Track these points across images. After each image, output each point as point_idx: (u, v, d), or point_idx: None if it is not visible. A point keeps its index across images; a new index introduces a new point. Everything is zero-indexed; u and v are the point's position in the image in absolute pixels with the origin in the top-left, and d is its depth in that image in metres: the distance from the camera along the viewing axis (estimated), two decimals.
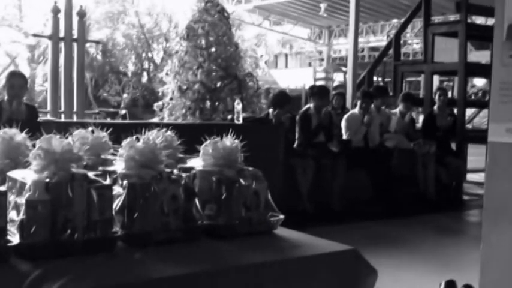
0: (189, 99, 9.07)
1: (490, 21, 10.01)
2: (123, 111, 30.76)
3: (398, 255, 5.32)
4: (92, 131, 2.02)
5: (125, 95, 28.59)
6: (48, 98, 7.79)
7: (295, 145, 7.04)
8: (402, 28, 9.95)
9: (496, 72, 2.85)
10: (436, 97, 8.12)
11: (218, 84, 9.08)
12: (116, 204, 1.61)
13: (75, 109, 7.63)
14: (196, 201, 1.75)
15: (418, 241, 5.89)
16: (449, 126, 8.02)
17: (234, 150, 1.90)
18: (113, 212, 1.58)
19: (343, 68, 28.03)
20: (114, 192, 1.61)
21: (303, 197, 6.63)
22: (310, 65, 30.43)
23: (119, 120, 5.67)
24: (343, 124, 7.46)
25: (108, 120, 5.89)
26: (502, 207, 2.84)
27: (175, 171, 1.76)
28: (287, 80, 29.59)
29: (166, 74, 9.53)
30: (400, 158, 7.47)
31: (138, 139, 1.76)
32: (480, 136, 9.36)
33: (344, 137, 7.43)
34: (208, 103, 9.09)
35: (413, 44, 21.30)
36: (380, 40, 21.36)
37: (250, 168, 1.93)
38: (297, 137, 7.11)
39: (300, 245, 1.87)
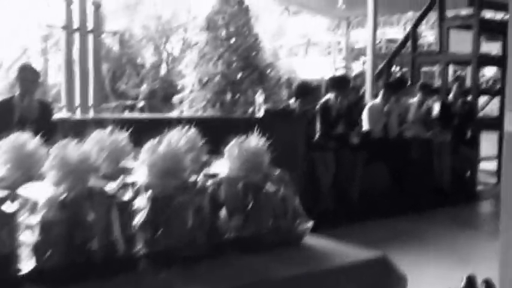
0: (209, 92, 9.00)
1: (499, 15, 10.39)
2: (141, 104, 30.83)
3: (417, 251, 5.26)
4: (111, 132, 1.91)
5: (143, 87, 28.61)
6: (62, 93, 7.68)
7: (316, 137, 6.95)
8: (418, 21, 10.20)
9: (511, 63, 2.84)
10: (453, 86, 8.16)
11: (239, 76, 8.98)
12: (138, 219, 1.52)
13: (91, 103, 7.53)
14: (223, 210, 1.67)
15: (436, 236, 5.82)
16: (465, 113, 8.03)
17: (260, 152, 1.82)
18: (135, 228, 1.51)
19: (362, 58, 27.84)
20: (135, 206, 1.53)
21: (324, 191, 6.55)
22: (329, 54, 30.23)
23: (138, 115, 5.60)
24: (365, 114, 7.37)
25: (127, 114, 5.82)
26: None
27: (200, 178, 1.68)
28: (306, 70, 29.39)
29: (186, 66, 9.47)
30: (418, 148, 7.40)
31: (159, 142, 1.67)
32: (493, 123, 9.32)
33: (365, 127, 7.33)
34: (229, 95, 9.01)
35: (428, 36, 21.10)
36: (396, 32, 21.24)
37: (277, 172, 1.84)
38: (317, 128, 7.01)
39: (329, 254, 1.80)
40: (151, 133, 5.09)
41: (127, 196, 1.54)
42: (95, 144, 1.85)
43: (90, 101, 7.54)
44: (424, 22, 10.97)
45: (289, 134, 6.41)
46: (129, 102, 29.11)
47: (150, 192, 1.55)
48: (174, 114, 8.91)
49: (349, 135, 6.93)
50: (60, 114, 5.18)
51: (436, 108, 7.90)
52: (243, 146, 1.79)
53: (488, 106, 10.66)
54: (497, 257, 4.51)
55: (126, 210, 1.47)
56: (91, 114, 7.38)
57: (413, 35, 9.85)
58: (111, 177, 1.72)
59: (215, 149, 4.98)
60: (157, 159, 1.60)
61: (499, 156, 9.22)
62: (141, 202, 1.55)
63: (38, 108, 4.87)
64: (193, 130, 1.98)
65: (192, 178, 1.65)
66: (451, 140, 7.65)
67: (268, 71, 9.17)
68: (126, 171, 1.76)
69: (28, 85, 4.76)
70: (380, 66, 9.84)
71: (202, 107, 8.95)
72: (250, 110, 6.37)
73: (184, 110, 9.09)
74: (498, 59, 9.62)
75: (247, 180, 1.71)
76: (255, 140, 1.83)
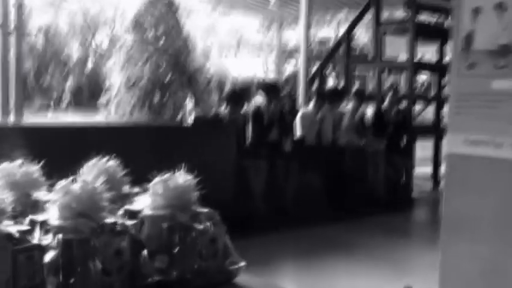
0: (135, 95, 8.71)
1: (434, 18, 10.24)
2: (66, 100, 29.93)
3: (353, 261, 5.22)
4: (20, 164, 1.72)
5: (68, 83, 27.79)
6: None
7: (247, 144, 6.84)
8: (353, 25, 9.99)
9: (453, 83, 2.87)
10: (388, 93, 8.17)
11: (167, 79, 8.73)
12: (49, 262, 1.34)
13: (12, 105, 7.12)
14: (145, 252, 1.50)
15: (369, 245, 5.81)
16: (400, 121, 8.06)
17: (187, 189, 1.65)
18: (45, 274, 1.32)
19: (293, 60, 28.00)
20: (47, 242, 1.35)
21: (256, 199, 6.44)
22: (260, 55, 30.28)
23: (61, 121, 5.26)
24: (297, 121, 7.32)
25: (49, 119, 5.46)
26: (459, 218, 2.84)
27: (120, 219, 1.50)
28: (237, 70, 29.30)
29: (112, 66, 9.12)
30: (352, 157, 7.40)
31: (74, 180, 1.48)
32: (428, 131, 9.47)
33: (298, 134, 7.28)
34: (156, 98, 8.74)
35: (362, 36, 21.22)
36: (328, 31, 21.36)
37: (206, 210, 1.68)
38: (249, 135, 6.90)
39: None
40: (76, 141, 4.79)
41: (35, 238, 1.35)
42: (2, 177, 1.65)
43: (12, 104, 7.16)
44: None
45: (220, 141, 6.28)
46: (53, 99, 28.21)
47: (61, 234, 1.36)
48: (101, 120, 8.54)
49: (282, 142, 6.86)
50: None
51: (370, 115, 7.94)
52: (169, 183, 1.62)
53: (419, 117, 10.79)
54: (432, 266, 4.54)
55: (35, 257, 1.28)
56: (11, 118, 7.00)
57: (347, 39, 9.74)
58: (21, 213, 1.53)
59: (140, 156, 4.77)
60: (70, 200, 1.41)
61: (434, 160, 9.40)
62: (52, 245, 1.36)
63: None
64: (112, 162, 1.78)
65: (111, 218, 1.46)
66: (385, 149, 7.69)
67: (198, 74, 8.95)
68: (37, 206, 1.57)
69: None
70: (313, 71, 9.78)
71: (130, 110, 8.65)
72: (180, 116, 6.16)
73: (110, 113, 8.76)
74: (434, 65, 9.76)
75: (173, 220, 1.54)
76: (183, 177, 1.65)
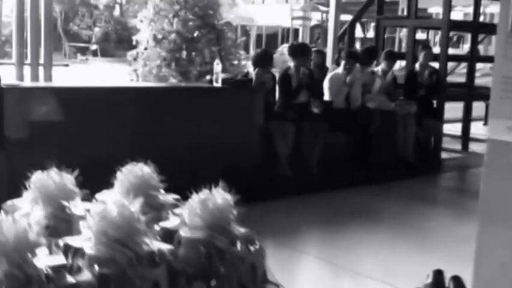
0: (164, 50, 8.65)
1: None
2: (94, 47, 29.91)
3: (378, 230, 5.18)
4: (55, 176, 1.68)
5: (96, 29, 27.71)
6: (13, 46, 7.17)
7: (275, 107, 6.76)
8: None
9: (498, 66, 2.70)
10: (421, 53, 7.91)
11: (195, 34, 8.63)
12: None
13: (42, 60, 7.08)
14: (182, 280, 1.47)
15: (398, 213, 5.73)
16: (432, 83, 7.85)
17: (226, 209, 1.61)
18: None
19: (321, 7, 27.48)
20: (82, 279, 1.32)
21: (282, 162, 6.41)
22: (286, 1, 29.71)
23: (89, 84, 5.23)
24: (325, 84, 7.19)
25: (77, 83, 5.42)
26: (498, 207, 2.76)
27: (156, 243, 1.47)
28: (263, 17, 28.89)
29: (141, 21, 9.03)
30: (381, 120, 7.28)
31: (109, 204, 1.43)
32: (460, 93, 9.22)
33: (326, 98, 7.16)
34: (184, 54, 8.67)
35: None
36: None
37: (244, 230, 1.64)
38: (277, 98, 6.83)
39: None
40: (105, 105, 4.75)
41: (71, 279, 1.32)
42: (36, 188, 1.62)
43: (41, 59, 7.09)
44: None
45: (248, 104, 6.22)
46: (81, 45, 28.22)
47: (97, 266, 1.33)
48: (128, 83, 8.51)
49: (310, 105, 6.76)
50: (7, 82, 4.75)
51: (402, 77, 7.76)
52: (207, 203, 1.57)
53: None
54: (459, 241, 4.49)
55: None
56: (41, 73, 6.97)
57: None
58: (56, 231, 1.51)
59: (169, 116, 4.69)
60: (107, 227, 1.37)
61: (464, 120, 9.20)
62: (88, 274, 1.33)
63: None
64: (148, 169, 1.73)
65: (148, 244, 1.42)
66: (417, 112, 7.54)
67: (226, 30, 8.83)
68: (72, 227, 1.54)
69: None
70: (342, 29, 9.52)
71: (157, 65, 8.60)
72: (208, 78, 6.08)
73: (138, 68, 8.73)
74: (470, 23, 9.34)
75: (211, 245, 1.50)
76: (221, 196, 1.60)
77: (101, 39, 27.93)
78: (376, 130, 7.17)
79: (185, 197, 1.74)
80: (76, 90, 5.12)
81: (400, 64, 9.92)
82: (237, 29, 27.76)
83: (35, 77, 6.92)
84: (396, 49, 15.98)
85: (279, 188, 6.08)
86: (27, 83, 5.59)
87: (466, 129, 9.23)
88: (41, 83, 6.46)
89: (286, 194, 5.94)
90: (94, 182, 1.90)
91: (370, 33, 17.98)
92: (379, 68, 7.69)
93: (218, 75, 6.02)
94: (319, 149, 6.67)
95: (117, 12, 28.22)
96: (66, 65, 7.31)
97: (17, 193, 1.69)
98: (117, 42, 27.09)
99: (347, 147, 6.99)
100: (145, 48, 8.72)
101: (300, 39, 26.31)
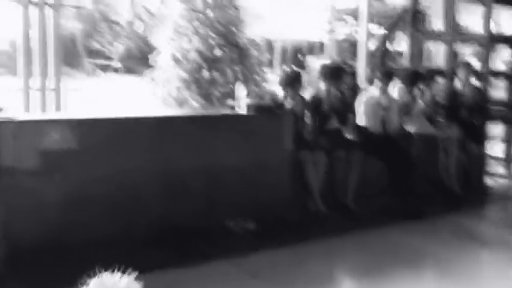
0: (184, 70, 8.10)
1: None
2: (116, 63, 29.57)
3: (425, 277, 4.54)
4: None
5: (118, 46, 27.31)
6: (21, 72, 6.68)
7: (305, 134, 6.14)
8: None
9: None
10: (459, 70, 7.28)
11: (217, 53, 8.07)
12: None
13: (53, 86, 6.58)
14: None
15: (444, 255, 5.03)
16: (474, 103, 7.18)
17: None
18: None
19: (350, 20, 26.74)
20: None
21: (314, 196, 5.79)
22: (314, 14, 29.02)
23: (99, 114, 4.71)
24: (360, 107, 6.54)
25: (84, 114, 4.89)
26: None
27: None
28: (289, 31, 28.26)
29: (159, 39, 8.52)
30: (421, 144, 6.63)
31: None
32: (503, 114, 8.49)
33: (360, 122, 6.51)
34: (205, 74, 8.10)
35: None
36: None
37: None
38: (307, 123, 6.20)
39: None
40: (117, 133, 4.21)
41: None
42: None
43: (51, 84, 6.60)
44: None
45: (275, 131, 5.62)
46: (104, 63, 27.92)
47: None
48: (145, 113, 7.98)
49: (343, 131, 6.14)
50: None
51: (441, 97, 7.10)
52: None
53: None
54: None
55: None
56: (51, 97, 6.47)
57: (414, 6, 8.54)
58: None
59: (189, 149, 4.11)
60: None
61: (507, 144, 8.49)
62: None
63: None
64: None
65: None
66: (459, 135, 6.87)
67: (250, 47, 8.25)
68: None
69: None
70: (374, 43, 8.87)
71: (177, 87, 8.06)
72: (231, 103, 5.51)
73: (157, 91, 8.21)
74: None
75: None
76: None
77: (123, 55, 27.59)
78: (415, 156, 6.50)
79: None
80: (78, 122, 4.56)
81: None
82: (262, 43, 27.22)
83: (43, 104, 6.44)
84: (431, 63, 15.27)
85: (311, 226, 5.47)
86: (25, 115, 5.06)
87: (509, 151, 8.52)
88: (38, 115, 5.95)
89: (319, 233, 5.32)
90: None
91: (402, 46, 17.28)
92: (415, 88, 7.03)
93: (241, 100, 5.45)
94: (355, 180, 6.05)
95: (139, 28, 27.83)
96: (78, 89, 6.78)
97: None
98: (140, 58, 26.71)
99: (384, 177, 6.32)
100: (164, 70, 8.19)
101: (326, 53, 25.62)
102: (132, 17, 28.32)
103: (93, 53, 28.76)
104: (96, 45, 28.32)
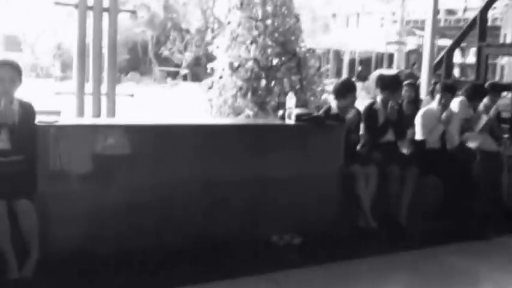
0: (240, 78, 8.02)
1: None
2: (184, 71, 30.03)
3: None
4: None
5: (187, 54, 27.71)
6: (74, 77, 6.75)
7: (358, 147, 5.91)
8: (489, 4, 8.46)
9: None
10: None
11: (274, 62, 7.95)
12: None
13: (105, 90, 6.60)
14: None
15: (504, 281, 4.69)
16: None
17: None
18: None
19: (417, 32, 26.15)
20: None
21: (364, 212, 5.54)
22: (382, 26, 28.57)
23: (150, 120, 4.70)
24: (417, 121, 6.25)
25: (135, 119, 4.88)
26: None
27: None
28: (357, 42, 27.95)
29: (217, 47, 8.47)
30: (484, 162, 6.25)
31: None
32: None
33: (418, 136, 6.22)
34: (262, 83, 7.99)
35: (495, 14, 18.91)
36: (456, 1, 19.62)
37: None
38: (360, 135, 5.97)
39: None
40: (167, 141, 4.14)
41: None
42: None
43: (105, 88, 6.63)
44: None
45: (325, 143, 5.42)
46: (172, 69, 28.41)
47: None
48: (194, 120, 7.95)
49: (399, 145, 5.87)
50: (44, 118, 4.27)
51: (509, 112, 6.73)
52: None
53: None
54: None
55: None
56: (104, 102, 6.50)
57: (481, 20, 8.33)
58: None
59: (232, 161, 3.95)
60: None
61: None
62: None
63: (19, 112, 4.08)
64: None
65: None
66: None
67: (308, 57, 8.07)
68: None
69: (5, 85, 4.01)
70: (440, 55, 8.54)
71: (233, 95, 7.98)
72: (280, 113, 5.36)
73: (213, 99, 8.15)
74: None
75: None
76: None
77: (192, 63, 27.94)
78: (477, 175, 6.14)
79: None
80: (121, 128, 4.52)
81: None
82: (329, 54, 26.98)
83: (96, 108, 6.48)
84: (498, 77, 14.67)
85: (360, 243, 5.22)
86: (69, 119, 5.08)
87: None
88: (83, 119, 5.96)
89: (367, 250, 5.07)
90: None
91: (470, 58, 16.73)
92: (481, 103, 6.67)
93: (291, 110, 5.28)
94: (408, 196, 5.75)
95: (208, 36, 28.13)
96: (131, 95, 6.80)
97: None
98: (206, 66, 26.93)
99: (442, 196, 5.99)
100: (221, 77, 8.13)
101: (394, 65, 25.12)
102: (203, 25, 28.69)
103: (163, 60, 29.32)
104: (166, 53, 28.86)
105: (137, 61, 29.17)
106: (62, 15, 23.62)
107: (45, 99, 7.23)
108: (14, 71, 4.08)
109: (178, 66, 27.99)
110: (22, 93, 4.22)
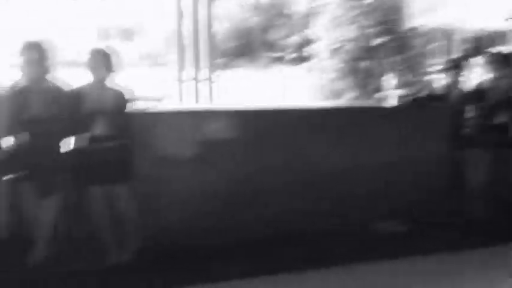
0: (340, 61, 7.80)
1: None
2: (290, 56, 29.89)
3: None
4: None
5: (291, 38, 27.58)
6: (176, 62, 6.83)
7: (466, 129, 5.53)
8: None
9: None
10: None
11: (375, 43, 7.64)
12: None
13: (205, 76, 6.64)
14: None
15: None
16: None
17: None
18: None
19: None
20: None
21: (475, 198, 5.19)
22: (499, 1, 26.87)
23: (243, 105, 4.67)
24: None
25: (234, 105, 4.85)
26: None
27: None
28: (472, 19, 26.47)
29: (317, 30, 8.29)
30: None
31: None
32: None
33: None
34: (362, 64, 7.72)
35: None
36: None
37: None
38: (469, 118, 5.58)
39: None
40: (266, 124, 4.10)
41: None
42: None
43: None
44: None
45: (430, 126, 5.12)
46: (277, 54, 28.41)
47: None
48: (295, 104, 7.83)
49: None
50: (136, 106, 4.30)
51: None
52: None
53: None
54: None
55: None
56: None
57: None
58: None
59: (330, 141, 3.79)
60: None
61: None
62: None
63: (112, 99, 4.11)
64: None
65: None
66: None
67: (412, 36, 7.70)
68: None
69: (99, 72, 4.06)
70: None
71: (333, 78, 7.78)
72: (379, 94, 5.13)
73: (313, 81, 8.01)
74: None
75: None
76: None
77: (296, 47, 27.80)
78: None
79: None
80: (211, 113, 4.49)
81: None
82: (438, 33, 25.78)
83: (196, 94, 6.53)
84: None
85: (473, 235, 4.84)
86: (179, 104, 5.10)
87: None
88: (190, 105, 6.01)
89: (478, 240, 4.69)
90: None
91: None
92: None
93: (392, 92, 5.03)
94: None
95: (310, 20, 27.80)
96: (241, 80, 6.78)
97: None
98: None
99: None
100: (321, 60, 7.95)
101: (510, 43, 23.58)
102: (305, 9, 28.46)
103: (268, 46, 29.37)
104: (272, 38, 28.87)
105: (245, 47, 29.44)
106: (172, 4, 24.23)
107: (159, 86, 7.33)
108: (106, 60, 4.11)
109: (284, 51, 27.96)
110: (135, 81, 4.29)
